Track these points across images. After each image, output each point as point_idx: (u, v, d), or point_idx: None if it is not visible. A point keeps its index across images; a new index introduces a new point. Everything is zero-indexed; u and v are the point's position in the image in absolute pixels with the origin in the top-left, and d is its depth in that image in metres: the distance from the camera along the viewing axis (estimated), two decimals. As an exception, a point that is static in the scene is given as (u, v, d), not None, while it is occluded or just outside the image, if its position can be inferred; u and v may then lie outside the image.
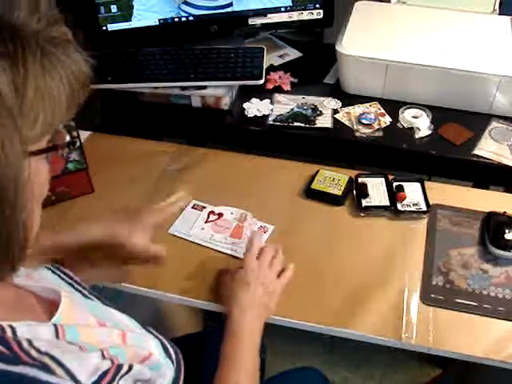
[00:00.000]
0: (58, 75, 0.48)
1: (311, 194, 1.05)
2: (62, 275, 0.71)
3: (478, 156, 1.10)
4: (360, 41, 1.19)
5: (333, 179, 1.06)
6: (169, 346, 0.68)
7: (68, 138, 0.54)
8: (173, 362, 0.67)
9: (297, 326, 0.86)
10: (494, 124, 1.16)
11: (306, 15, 1.30)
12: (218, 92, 1.19)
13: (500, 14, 1.28)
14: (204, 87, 1.19)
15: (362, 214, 1.02)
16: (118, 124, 1.30)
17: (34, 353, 0.49)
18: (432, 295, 0.89)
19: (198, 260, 0.94)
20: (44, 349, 0.50)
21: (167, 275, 0.92)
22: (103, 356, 0.53)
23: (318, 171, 1.08)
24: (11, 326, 0.51)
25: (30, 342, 0.50)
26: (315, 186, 1.05)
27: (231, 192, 1.06)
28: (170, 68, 1.22)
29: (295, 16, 1.30)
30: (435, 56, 1.14)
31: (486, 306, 0.87)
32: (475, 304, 0.87)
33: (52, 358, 0.49)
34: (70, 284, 0.70)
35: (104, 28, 1.25)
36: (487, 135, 1.13)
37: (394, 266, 0.93)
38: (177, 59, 1.25)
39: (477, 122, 1.16)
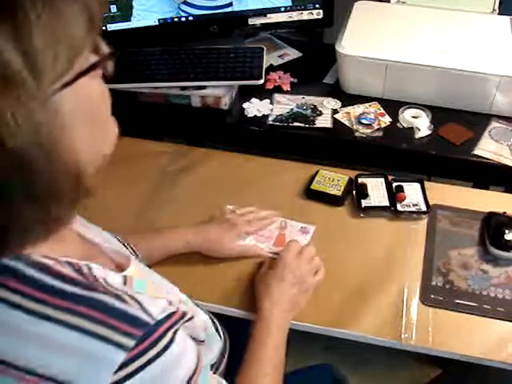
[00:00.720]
0: (70, 11, 0.44)
1: (311, 194, 1.05)
2: (126, 246, 0.73)
3: (477, 156, 1.10)
4: (360, 41, 1.19)
5: (332, 180, 1.06)
6: (216, 321, 0.71)
7: (106, 49, 0.51)
8: (220, 336, 0.70)
9: (296, 327, 0.86)
10: (494, 124, 1.16)
11: (305, 15, 1.29)
12: (218, 92, 1.19)
13: (500, 13, 1.28)
14: (204, 87, 1.19)
15: (362, 215, 1.02)
16: (117, 124, 1.30)
17: (109, 287, 0.51)
18: (432, 296, 0.89)
19: (199, 260, 0.94)
20: (117, 286, 0.52)
21: (167, 275, 0.91)
22: (170, 303, 0.55)
23: (317, 172, 1.08)
24: (88, 265, 0.52)
25: (104, 279, 0.52)
26: (315, 186, 1.05)
27: (231, 192, 1.06)
28: (169, 68, 1.22)
29: (295, 16, 1.29)
30: (435, 56, 1.14)
31: (485, 306, 0.87)
32: (475, 304, 0.87)
33: (125, 293, 0.51)
34: (133, 255, 0.72)
35: (104, 28, 1.25)
36: (487, 135, 1.13)
37: (394, 267, 0.93)
38: (177, 59, 1.25)
39: (477, 121, 1.16)
